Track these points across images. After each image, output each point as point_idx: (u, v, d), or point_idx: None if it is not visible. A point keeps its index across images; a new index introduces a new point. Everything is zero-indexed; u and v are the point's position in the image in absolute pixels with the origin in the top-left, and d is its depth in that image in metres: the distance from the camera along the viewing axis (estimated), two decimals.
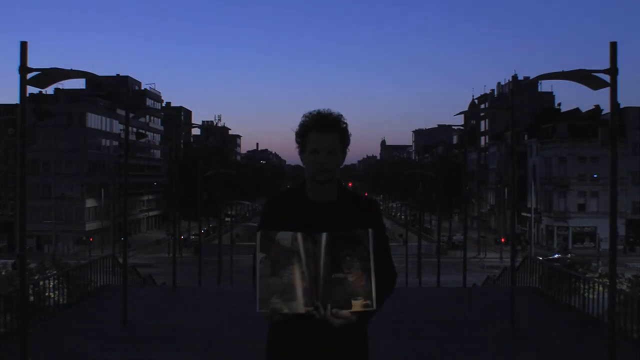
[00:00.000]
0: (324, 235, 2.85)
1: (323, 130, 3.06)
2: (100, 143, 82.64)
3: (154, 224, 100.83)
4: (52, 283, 13.94)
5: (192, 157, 78.37)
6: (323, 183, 3.10)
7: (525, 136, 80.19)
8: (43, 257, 32.14)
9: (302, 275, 2.81)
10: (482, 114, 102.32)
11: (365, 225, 2.98)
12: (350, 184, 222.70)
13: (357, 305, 2.79)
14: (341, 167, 3.21)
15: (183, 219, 78.37)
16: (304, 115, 3.14)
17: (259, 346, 3.46)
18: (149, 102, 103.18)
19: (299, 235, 2.86)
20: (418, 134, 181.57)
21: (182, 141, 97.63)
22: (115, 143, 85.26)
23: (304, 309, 2.79)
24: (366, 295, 2.80)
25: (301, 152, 3.13)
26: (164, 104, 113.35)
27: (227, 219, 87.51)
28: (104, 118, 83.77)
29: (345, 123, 3.14)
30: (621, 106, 68.66)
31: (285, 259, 2.83)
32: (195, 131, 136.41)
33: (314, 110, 3.14)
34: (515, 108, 12.61)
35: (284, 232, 2.87)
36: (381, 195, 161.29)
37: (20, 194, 8.43)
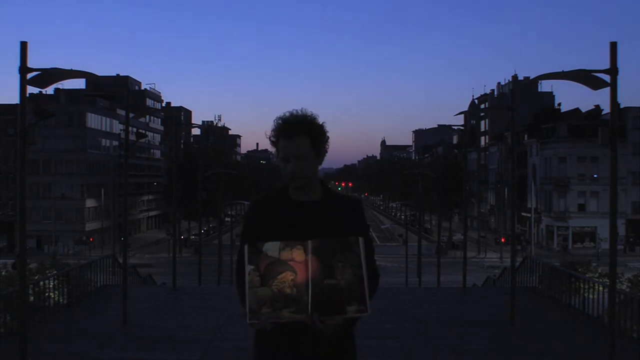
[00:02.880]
0: (313, 242, 2.83)
1: (289, 136, 3.02)
2: (100, 143, 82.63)
3: (154, 224, 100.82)
4: (52, 283, 13.94)
5: (192, 157, 78.34)
6: (301, 188, 3.09)
7: (525, 136, 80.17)
8: (43, 257, 32.11)
9: (293, 283, 2.79)
10: (482, 114, 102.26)
11: (349, 224, 3.00)
12: (350, 184, 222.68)
13: (352, 310, 2.79)
14: (320, 167, 3.17)
15: (183, 219, 78.39)
16: (275, 120, 3.08)
17: None
18: (149, 102, 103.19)
19: (288, 244, 2.84)
20: (418, 134, 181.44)
21: (182, 141, 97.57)
22: (115, 143, 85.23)
23: (296, 317, 2.78)
24: (360, 301, 2.79)
25: (277, 156, 3.10)
26: (164, 104, 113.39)
27: (227, 219, 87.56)
28: (104, 118, 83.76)
29: (317, 124, 3.08)
30: (621, 106, 68.66)
31: (274, 268, 2.82)
32: (195, 131, 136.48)
33: (285, 113, 3.08)
34: (515, 108, 12.61)
35: (271, 243, 2.85)
36: (381, 195, 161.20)
37: (20, 194, 8.43)
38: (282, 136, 3.04)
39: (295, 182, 3.07)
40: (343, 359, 3.08)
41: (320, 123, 3.12)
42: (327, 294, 2.79)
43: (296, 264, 2.81)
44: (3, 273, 25.84)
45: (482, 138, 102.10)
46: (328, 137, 3.15)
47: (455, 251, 69.90)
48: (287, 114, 3.08)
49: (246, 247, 2.89)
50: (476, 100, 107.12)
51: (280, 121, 3.07)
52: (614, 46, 7.78)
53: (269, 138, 3.11)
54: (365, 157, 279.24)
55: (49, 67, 8.30)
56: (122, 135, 51.16)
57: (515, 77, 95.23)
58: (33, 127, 8.28)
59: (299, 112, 3.09)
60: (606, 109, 72.64)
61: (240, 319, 12.91)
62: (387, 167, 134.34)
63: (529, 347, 10.37)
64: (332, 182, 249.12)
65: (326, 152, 3.16)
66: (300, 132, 3.03)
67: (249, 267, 2.84)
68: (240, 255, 3.01)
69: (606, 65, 7.85)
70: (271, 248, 2.85)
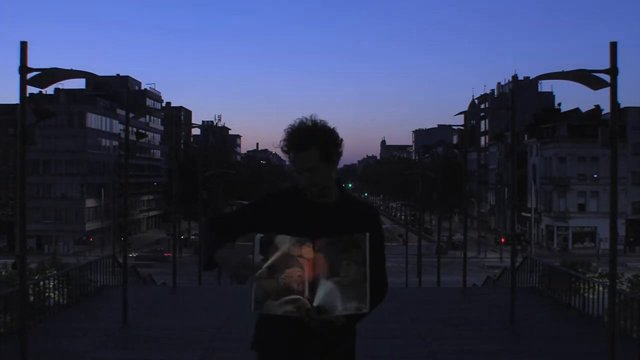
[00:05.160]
0: (323, 240, 2.86)
1: (298, 149, 3.00)
2: (100, 143, 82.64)
3: (154, 224, 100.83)
4: (52, 283, 13.95)
5: (192, 157, 78.33)
6: (316, 194, 3.09)
7: (525, 136, 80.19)
8: (43, 257, 32.13)
9: (299, 279, 2.83)
10: (482, 114, 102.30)
11: (363, 231, 2.95)
12: (350, 184, 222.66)
13: (351, 308, 2.81)
14: (337, 169, 3.15)
15: (183, 219, 78.37)
16: (285, 130, 3.06)
17: None
18: (149, 102, 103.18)
19: (299, 240, 2.87)
20: (418, 134, 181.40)
21: (182, 141, 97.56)
22: (115, 143, 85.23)
23: (298, 313, 2.82)
24: (360, 299, 2.81)
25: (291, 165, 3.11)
26: (164, 104, 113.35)
27: None
28: (104, 118, 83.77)
29: (326, 133, 3.03)
30: (621, 106, 68.64)
31: (283, 262, 2.85)
32: (196, 131, 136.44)
33: (294, 123, 3.05)
34: (515, 108, 12.61)
35: (283, 236, 2.88)
36: (381, 195, 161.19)
37: (20, 194, 8.43)
38: (292, 149, 3.02)
39: (310, 191, 3.08)
40: (343, 357, 3.08)
41: (331, 129, 3.07)
42: (329, 291, 2.82)
43: (304, 260, 2.84)
44: (3, 273, 25.88)
45: (482, 138, 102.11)
46: (341, 140, 3.10)
47: (455, 251, 69.91)
48: (297, 124, 3.05)
49: (259, 236, 2.90)
50: (476, 100, 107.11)
51: (291, 131, 3.04)
52: (614, 46, 7.77)
53: (281, 148, 3.08)
54: (365, 157, 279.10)
55: (49, 67, 8.30)
56: (122, 135, 51.16)
57: (515, 77, 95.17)
58: (33, 127, 8.28)
59: (309, 120, 3.05)
60: (606, 109, 72.73)
61: (240, 319, 12.89)
62: (387, 167, 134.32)
63: (529, 347, 10.37)
64: None
65: (340, 154, 3.11)
66: (309, 144, 2.99)
67: (258, 257, 2.87)
68: (225, 213, 3.13)
69: (606, 65, 7.84)
70: (282, 241, 2.88)
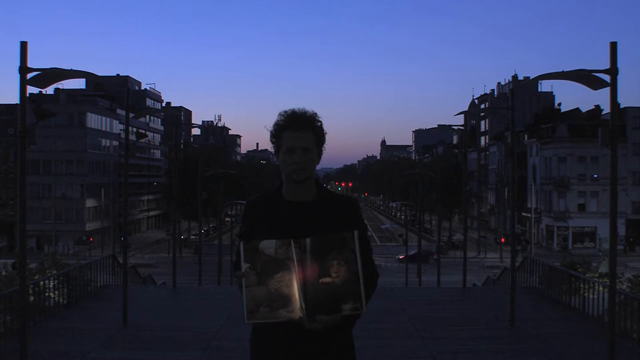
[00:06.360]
0: (309, 240, 2.81)
1: (297, 128, 3.04)
2: (100, 143, 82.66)
3: (154, 224, 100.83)
4: (52, 283, 13.94)
5: (192, 157, 78.32)
6: (300, 182, 3.06)
7: (525, 136, 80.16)
8: (43, 257, 32.09)
9: (290, 283, 2.78)
10: (482, 114, 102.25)
11: (345, 224, 2.95)
12: (350, 184, 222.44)
13: (347, 309, 2.77)
14: (320, 167, 3.18)
15: (183, 219, 78.37)
16: (279, 115, 3.12)
17: None
18: (149, 102, 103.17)
19: (284, 242, 2.82)
20: (418, 134, 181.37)
21: (182, 141, 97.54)
22: (115, 143, 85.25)
23: (293, 317, 2.77)
24: (355, 299, 2.77)
25: (276, 152, 3.12)
26: (164, 104, 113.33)
27: (227, 219, 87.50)
28: (104, 118, 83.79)
29: (320, 121, 3.12)
30: (621, 106, 68.60)
31: (271, 267, 2.80)
32: (196, 131, 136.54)
33: (288, 110, 3.11)
34: (515, 108, 12.60)
35: (268, 241, 2.83)
36: (381, 195, 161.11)
37: (20, 194, 8.42)
38: (289, 128, 3.05)
39: (298, 174, 3.04)
40: (342, 357, 3.07)
41: (321, 122, 3.16)
42: (322, 292, 2.77)
43: (292, 262, 2.80)
44: (3, 273, 25.83)
45: (482, 138, 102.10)
46: (325, 134, 3.18)
47: (455, 251, 69.88)
48: (291, 110, 3.12)
49: (241, 244, 2.86)
50: (476, 100, 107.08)
51: (289, 113, 3.09)
52: (614, 46, 7.77)
53: (271, 131, 3.11)
54: (365, 157, 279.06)
55: (49, 67, 8.30)
56: (122, 135, 51.15)
57: (515, 77, 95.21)
58: (33, 127, 8.28)
59: (301, 110, 3.12)
60: (606, 109, 72.42)
61: (240, 319, 12.78)
62: (387, 167, 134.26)
63: (529, 347, 10.36)
64: (332, 182, 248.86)
65: (323, 150, 3.19)
66: (307, 126, 3.06)
67: (245, 266, 2.82)
68: (237, 253, 3.02)
69: (606, 65, 7.84)
70: (267, 246, 2.82)
